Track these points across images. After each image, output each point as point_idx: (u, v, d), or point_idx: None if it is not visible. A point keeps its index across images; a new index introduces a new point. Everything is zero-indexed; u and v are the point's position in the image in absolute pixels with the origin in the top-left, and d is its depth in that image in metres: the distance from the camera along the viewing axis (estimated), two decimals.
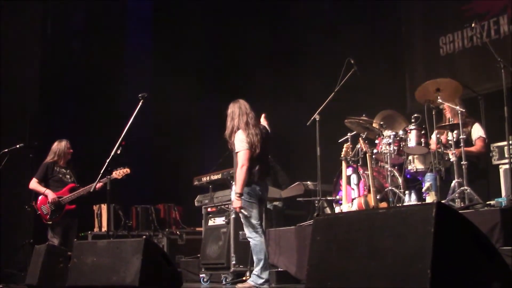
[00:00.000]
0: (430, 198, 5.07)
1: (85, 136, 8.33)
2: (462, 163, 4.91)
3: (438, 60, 7.52)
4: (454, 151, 5.02)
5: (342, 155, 5.57)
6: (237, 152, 5.02)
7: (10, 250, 7.43)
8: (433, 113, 5.28)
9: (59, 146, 6.53)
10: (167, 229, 7.99)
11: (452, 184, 4.95)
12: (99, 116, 8.93)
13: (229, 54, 9.67)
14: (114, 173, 5.93)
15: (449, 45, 7.39)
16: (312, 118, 6.07)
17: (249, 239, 5.07)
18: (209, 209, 6.74)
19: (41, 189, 6.34)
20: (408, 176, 5.65)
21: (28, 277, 5.36)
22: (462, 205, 4.73)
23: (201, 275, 6.58)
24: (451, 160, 5.08)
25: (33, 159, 6.92)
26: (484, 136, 5.47)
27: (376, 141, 5.73)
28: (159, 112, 9.18)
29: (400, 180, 5.50)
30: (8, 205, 7.91)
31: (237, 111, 5.11)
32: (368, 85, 7.22)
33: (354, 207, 5.31)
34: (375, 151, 5.62)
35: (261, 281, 4.94)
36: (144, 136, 9.10)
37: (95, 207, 8.01)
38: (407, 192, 5.34)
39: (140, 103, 5.05)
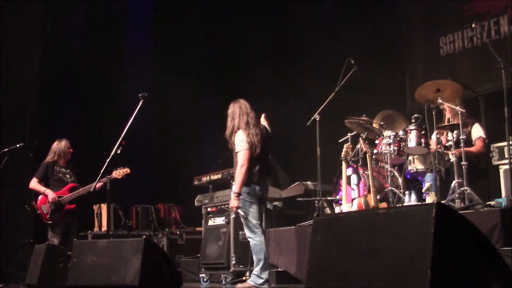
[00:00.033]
0: (430, 199, 5.06)
1: (85, 136, 8.33)
2: (462, 163, 4.92)
3: (438, 60, 7.52)
4: (454, 151, 5.02)
5: (342, 155, 5.57)
6: (237, 152, 5.02)
7: (10, 250, 7.42)
8: (433, 113, 5.28)
9: (59, 145, 6.53)
10: (167, 229, 7.99)
11: (452, 185, 4.95)
12: (99, 116, 8.93)
13: (229, 54, 9.67)
14: (114, 173, 5.93)
15: (449, 45, 7.39)
16: (312, 118, 6.07)
17: (249, 239, 5.07)
18: (209, 209, 6.74)
19: (41, 188, 6.34)
20: (408, 176, 5.65)
21: (28, 277, 5.36)
22: (462, 205, 4.72)
23: (201, 275, 6.59)
24: (451, 160, 5.08)
25: (33, 158, 6.92)
26: (484, 136, 5.47)
27: (376, 141, 5.73)
28: (159, 112, 9.18)
29: (400, 180, 5.50)
30: (8, 205, 7.91)
31: (237, 111, 5.11)
32: (368, 85, 7.22)
33: (354, 207, 5.31)
34: (375, 151, 5.62)
35: (261, 281, 4.94)
36: (144, 136, 9.11)
37: (95, 207, 8.01)
38: (407, 192, 5.34)
39: (140, 103, 5.05)
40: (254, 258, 5.04)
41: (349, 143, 5.79)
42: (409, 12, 8.03)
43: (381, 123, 5.86)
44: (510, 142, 4.82)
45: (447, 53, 7.42)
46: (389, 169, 5.49)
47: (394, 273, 2.53)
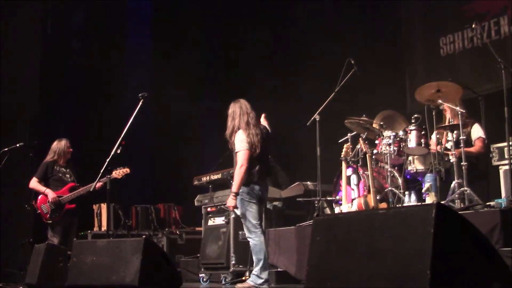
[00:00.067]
0: (430, 199, 5.06)
1: (85, 136, 8.33)
2: (462, 163, 4.92)
3: (439, 60, 7.52)
4: (454, 152, 5.02)
5: (342, 156, 5.57)
6: (237, 152, 5.02)
7: (10, 249, 7.42)
8: (433, 113, 5.28)
9: (59, 145, 6.53)
10: (166, 229, 7.99)
11: (452, 185, 4.95)
12: (99, 116, 8.92)
13: (229, 54, 9.68)
14: (114, 172, 5.93)
15: (450, 46, 7.39)
16: (312, 118, 6.07)
17: (248, 239, 5.07)
18: (209, 209, 6.74)
19: (41, 188, 6.34)
20: (408, 176, 5.65)
21: (27, 276, 5.36)
22: (462, 206, 4.73)
23: (200, 275, 6.59)
24: (451, 160, 5.08)
25: (33, 158, 6.93)
26: (483, 136, 5.47)
27: (376, 142, 5.73)
28: (159, 112, 9.17)
29: (400, 180, 5.50)
30: (8, 204, 7.91)
31: (238, 111, 5.11)
32: (368, 85, 7.22)
33: (354, 208, 5.30)
34: (375, 151, 5.62)
35: (260, 281, 4.93)
36: (144, 136, 9.10)
37: (95, 207, 8.01)
38: (407, 192, 5.34)
39: (140, 103, 5.05)
40: (254, 258, 5.03)
41: (349, 143, 5.80)
42: (409, 12, 8.04)
43: (381, 123, 5.86)
44: (510, 143, 4.82)
45: (447, 54, 7.42)
46: (389, 169, 5.49)
47: (394, 273, 2.53)
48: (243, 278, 5.76)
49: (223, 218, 6.42)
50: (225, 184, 6.85)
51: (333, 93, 6.12)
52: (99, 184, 5.78)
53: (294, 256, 5.51)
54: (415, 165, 5.49)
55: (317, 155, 6.06)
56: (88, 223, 7.86)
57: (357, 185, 5.67)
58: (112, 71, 9.16)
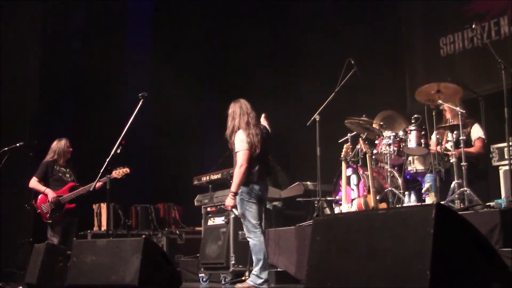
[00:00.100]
0: (429, 199, 5.06)
1: (85, 136, 8.32)
2: (461, 164, 4.91)
3: (439, 60, 7.52)
4: (453, 152, 5.02)
5: (342, 156, 5.57)
6: (236, 152, 5.02)
7: (10, 249, 7.42)
8: (433, 113, 5.28)
9: (59, 145, 6.53)
10: (166, 229, 7.99)
11: (452, 185, 4.95)
12: (99, 116, 8.92)
13: (229, 54, 9.68)
14: (113, 172, 5.92)
15: (450, 46, 7.39)
16: (312, 118, 6.08)
17: (248, 239, 5.07)
18: (208, 209, 6.74)
19: (41, 188, 6.33)
20: (407, 177, 5.65)
21: (27, 276, 5.36)
22: (461, 206, 4.73)
23: (200, 275, 6.58)
24: (451, 161, 5.08)
25: (33, 158, 6.93)
26: (483, 136, 5.47)
27: (376, 142, 5.73)
28: (159, 112, 9.18)
29: (399, 180, 5.50)
30: (8, 204, 7.91)
31: (238, 110, 5.11)
32: (368, 85, 7.23)
33: (354, 208, 5.30)
34: (375, 151, 5.62)
35: (260, 281, 4.93)
36: (144, 136, 9.11)
37: (95, 206, 8.01)
38: (406, 193, 5.34)
39: (140, 103, 5.05)
40: (254, 258, 5.03)
41: (349, 144, 5.80)
42: (409, 12, 8.04)
43: (381, 123, 5.86)
44: (510, 143, 4.82)
45: (447, 54, 7.42)
46: (389, 169, 5.49)
47: (394, 273, 2.53)
48: (243, 278, 5.75)
49: (223, 218, 6.42)
50: (225, 184, 6.85)
51: (333, 93, 6.12)
52: (99, 184, 5.78)
53: (294, 256, 5.51)
54: (415, 165, 5.49)
55: (317, 155, 6.07)
56: (88, 223, 7.86)
57: (357, 185, 5.67)
58: (112, 71, 9.16)
